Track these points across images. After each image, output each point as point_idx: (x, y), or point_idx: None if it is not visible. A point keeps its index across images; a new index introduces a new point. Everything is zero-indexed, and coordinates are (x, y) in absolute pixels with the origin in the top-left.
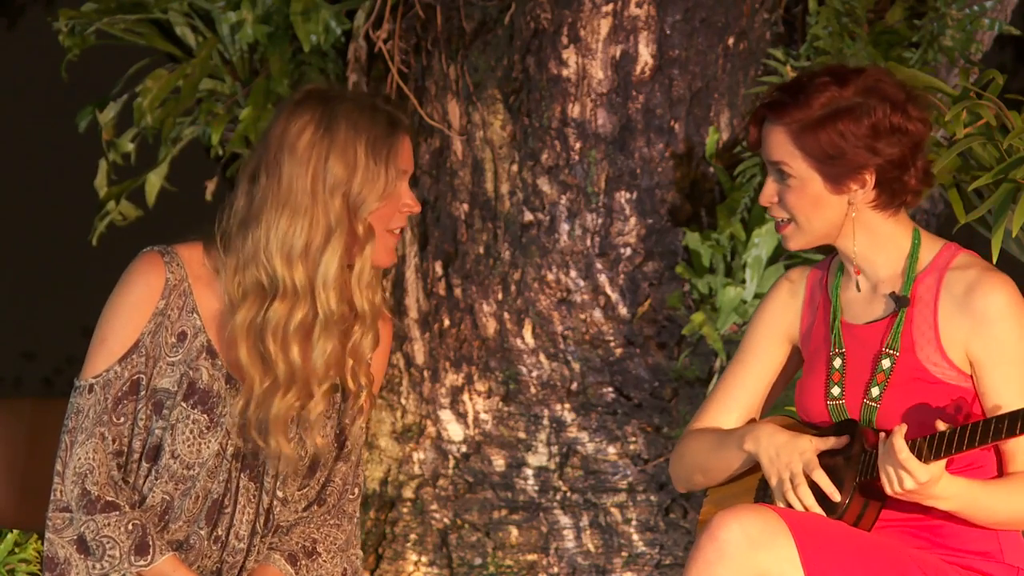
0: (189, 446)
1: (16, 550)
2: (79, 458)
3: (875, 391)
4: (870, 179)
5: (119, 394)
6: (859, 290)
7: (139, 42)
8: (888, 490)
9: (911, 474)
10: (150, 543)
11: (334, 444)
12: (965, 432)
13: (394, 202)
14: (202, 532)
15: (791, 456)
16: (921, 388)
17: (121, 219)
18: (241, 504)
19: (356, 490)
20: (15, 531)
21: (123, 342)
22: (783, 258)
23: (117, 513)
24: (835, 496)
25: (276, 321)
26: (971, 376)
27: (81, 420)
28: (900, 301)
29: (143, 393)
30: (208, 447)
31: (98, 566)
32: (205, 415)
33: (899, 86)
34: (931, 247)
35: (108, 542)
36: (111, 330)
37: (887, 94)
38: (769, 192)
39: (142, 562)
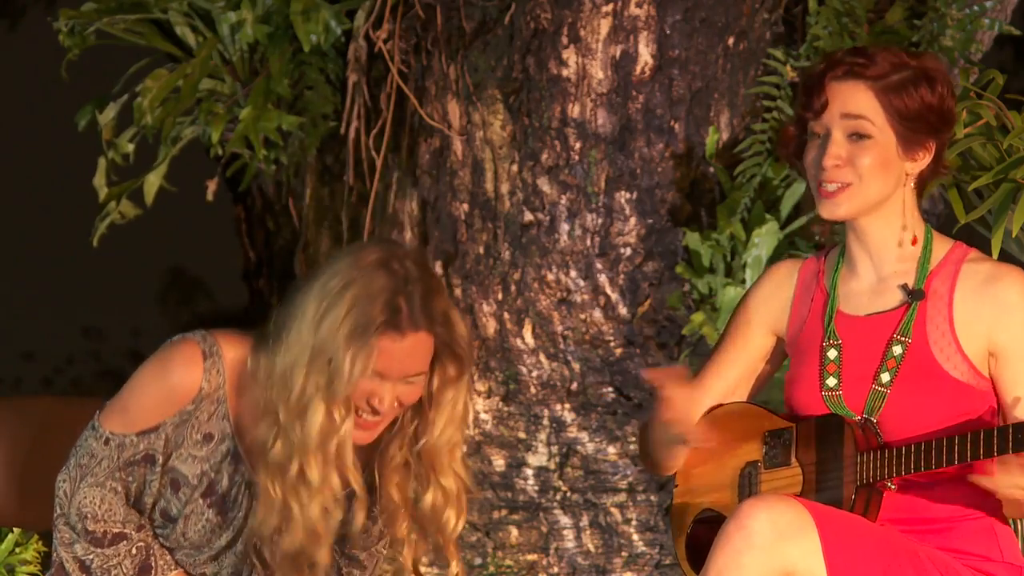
0: (200, 536)
1: (17, 550)
2: (87, 498)
3: (885, 376)
4: (929, 152)
5: (131, 459)
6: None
7: (139, 42)
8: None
9: None
10: (152, 564)
11: None
12: (943, 447)
13: (360, 394)
14: None
15: None
16: (932, 383)
17: (120, 218)
18: None
19: None
20: (16, 530)
21: (143, 422)
22: (784, 258)
23: (125, 542)
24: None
25: (277, 465)
26: (985, 374)
27: (94, 465)
28: (915, 294)
29: (158, 468)
30: (219, 540)
31: None
32: (219, 516)
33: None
34: (943, 244)
35: (115, 571)
36: (136, 405)
37: (947, 78)
38: (839, 151)
39: None
